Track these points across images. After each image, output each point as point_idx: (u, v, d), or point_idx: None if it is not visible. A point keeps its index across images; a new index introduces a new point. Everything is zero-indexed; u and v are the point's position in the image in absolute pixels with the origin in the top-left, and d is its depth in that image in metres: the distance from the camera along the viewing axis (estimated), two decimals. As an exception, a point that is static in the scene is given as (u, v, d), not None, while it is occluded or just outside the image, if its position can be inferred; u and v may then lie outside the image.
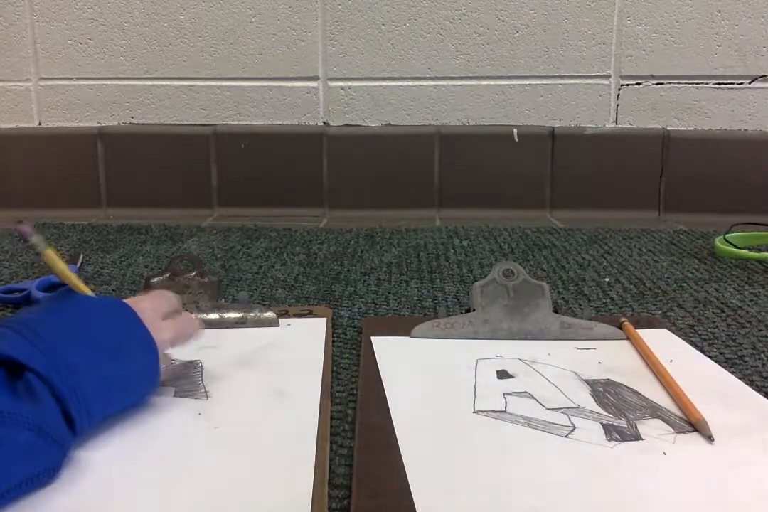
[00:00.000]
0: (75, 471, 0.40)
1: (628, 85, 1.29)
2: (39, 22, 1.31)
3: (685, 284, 0.83)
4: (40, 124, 1.36)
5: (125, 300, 0.48)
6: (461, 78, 1.30)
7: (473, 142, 1.31)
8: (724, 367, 0.57)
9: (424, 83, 1.31)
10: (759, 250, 0.97)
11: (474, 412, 0.48)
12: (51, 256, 0.46)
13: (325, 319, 0.68)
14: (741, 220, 1.05)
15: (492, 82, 1.30)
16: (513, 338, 0.62)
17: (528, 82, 1.30)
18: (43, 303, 0.46)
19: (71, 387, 0.39)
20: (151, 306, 0.49)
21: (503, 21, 1.28)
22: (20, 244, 1.05)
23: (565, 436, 0.45)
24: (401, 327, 0.64)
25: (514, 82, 1.30)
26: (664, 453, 0.43)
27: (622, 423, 0.47)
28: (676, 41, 1.27)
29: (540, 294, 0.64)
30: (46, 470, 0.37)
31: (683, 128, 1.30)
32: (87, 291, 0.48)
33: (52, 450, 0.38)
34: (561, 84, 1.30)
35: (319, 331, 0.64)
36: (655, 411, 0.49)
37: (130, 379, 0.44)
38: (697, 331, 0.67)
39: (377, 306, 0.75)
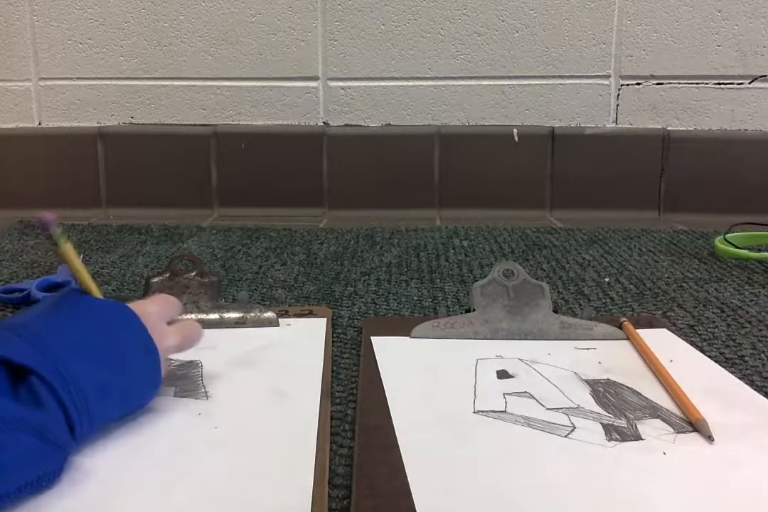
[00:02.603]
0: (75, 471, 0.40)
1: (628, 85, 1.29)
2: (39, 22, 1.31)
3: (685, 284, 0.83)
4: (40, 124, 1.36)
5: (130, 304, 0.47)
6: (461, 78, 1.30)
7: (473, 142, 1.31)
8: (724, 367, 0.57)
9: (424, 83, 1.31)
10: (759, 250, 0.97)
11: (474, 412, 0.48)
12: (69, 250, 0.45)
13: (325, 319, 0.68)
14: (741, 220, 1.05)
15: (492, 82, 1.30)
16: (513, 338, 0.62)
17: (528, 82, 1.30)
18: (45, 304, 0.45)
19: (73, 393, 0.39)
20: (157, 311, 0.48)
21: (503, 21, 1.28)
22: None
23: (565, 436, 0.45)
24: (401, 327, 0.64)
25: (514, 82, 1.30)
26: (664, 453, 0.43)
27: (622, 423, 0.47)
28: (676, 41, 1.27)
29: (540, 294, 0.64)
30: (46, 474, 0.37)
31: (683, 128, 1.30)
32: (96, 291, 0.47)
33: (53, 455, 0.37)
34: (561, 84, 1.30)
35: (319, 331, 0.64)
36: (655, 411, 0.49)
37: (131, 385, 0.44)
38: (697, 331, 0.67)
39: (377, 306, 0.75)
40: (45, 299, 0.46)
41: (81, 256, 0.94)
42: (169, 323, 0.50)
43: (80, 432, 0.39)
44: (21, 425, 0.36)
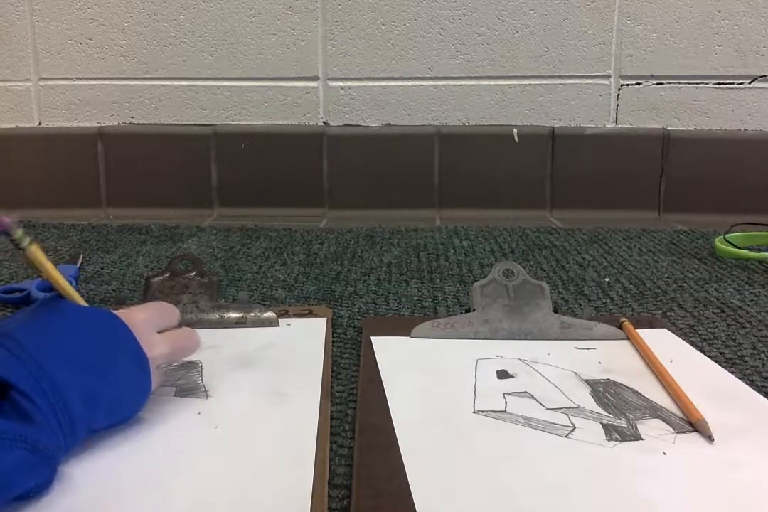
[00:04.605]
0: (74, 470, 0.40)
1: (628, 85, 1.29)
2: (39, 22, 1.31)
3: (685, 284, 0.83)
4: (40, 124, 1.36)
5: (117, 312, 0.45)
6: (461, 78, 1.30)
7: (473, 142, 1.31)
8: (724, 367, 0.57)
9: (424, 83, 1.31)
10: (759, 250, 0.97)
11: (474, 412, 0.48)
12: (37, 253, 0.42)
13: (325, 319, 0.68)
14: (741, 220, 1.05)
15: (492, 82, 1.30)
16: (513, 338, 0.62)
17: (528, 82, 1.30)
18: (30, 312, 0.43)
19: (54, 405, 0.38)
20: (145, 319, 0.47)
21: (503, 21, 1.28)
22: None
23: (565, 436, 0.45)
24: (401, 327, 0.64)
25: (514, 82, 1.30)
26: (664, 453, 0.43)
27: (622, 423, 0.47)
28: (676, 41, 1.27)
29: (540, 294, 0.64)
30: (37, 486, 0.37)
31: (683, 128, 1.30)
32: (74, 293, 0.46)
33: (43, 467, 0.37)
34: (561, 84, 1.30)
35: (319, 331, 0.64)
36: (655, 411, 0.49)
37: (119, 394, 0.43)
38: (697, 331, 0.67)
39: (377, 306, 0.75)
40: (30, 307, 0.45)
41: (81, 257, 0.94)
42: (163, 331, 0.48)
43: (64, 444, 0.38)
44: (9, 439, 0.35)
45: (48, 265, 0.43)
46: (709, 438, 0.44)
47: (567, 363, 0.57)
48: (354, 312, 0.73)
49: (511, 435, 0.45)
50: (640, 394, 0.51)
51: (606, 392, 0.52)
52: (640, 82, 1.29)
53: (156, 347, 0.46)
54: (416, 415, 0.48)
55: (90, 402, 0.40)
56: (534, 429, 0.46)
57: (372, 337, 0.62)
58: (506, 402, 0.50)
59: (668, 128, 1.30)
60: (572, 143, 1.30)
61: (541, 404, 0.49)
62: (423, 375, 0.55)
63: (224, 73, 1.32)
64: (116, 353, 0.43)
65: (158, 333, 0.48)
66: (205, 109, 1.33)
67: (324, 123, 1.33)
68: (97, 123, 1.35)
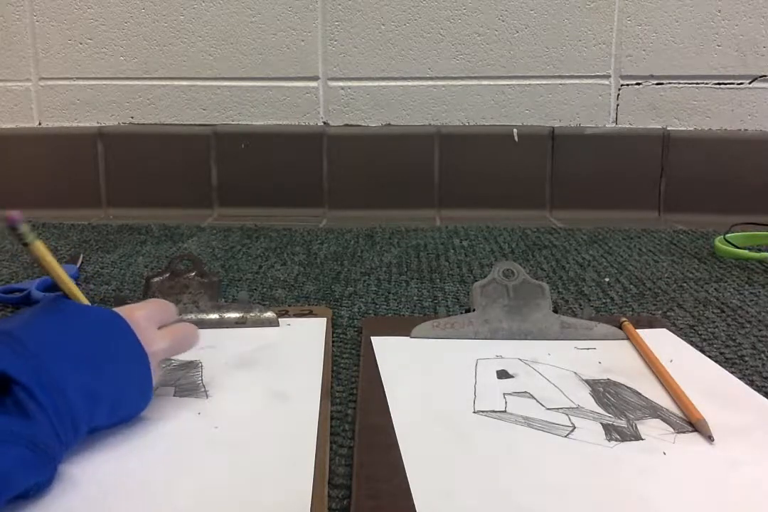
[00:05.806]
0: (74, 470, 0.40)
1: (628, 85, 1.29)
2: (39, 22, 1.31)
3: (685, 284, 0.83)
4: (40, 124, 1.36)
5: (117, 309, 0.46)
6: (461, 78, 1.30)
7: (473, 142, 1.31)
8: (724, 367, 0.57)
9: (424, 83, 1.31)
10: (759, 250, 0.97)
11: (474, 412, 0.48)
12: (40, 248, 0.42)
13: (325, 319, 0.68)
14: (741, 220, 1.05)
15: (492, 82, 1.30)
16: (513, 338, 0.62)
17: (528, 82, 1.30)
18: (31, 311, 0.43)
19: (56, 401, 0.38)
20: (144, 315, 0.47)
21: (503, 21, 1.28)
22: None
23: (565, 436, 0.45)
24: (401, 327, 0.64)
25: (514, 82, 1.30)
26: (664, 453, 0.43)
27: (622, 423, 0.47)
28: (676, 41, 1.27)
29: (540, 294, 0.64)
30: (37, 484, 0.37)
31: (683, 128, 1.30)
32: (76, 290, 0.46)
33: (44, 465, 0.37)
34: (561, 84, 1.30)
35: (319, 331, 0.64)
36: (655, 411, 0.49)
37: (120, 393, 0.43)
38: (697, 331, 0.67)
39: (377, 306, 0.75)
40: (32, 306, 0.45)
41: (81, 257, 0.94)
42: (161, 327, 0.48)
43: (65, 441, 0.38)
44: (11, 437, 0.35)
45: (51, 261, 0.44)
46: (709, 438, 0.44)
47: (567, 363, 0.57)
48: (354, 312, 0.73)
49: (511, 435, 0.45)
50: (640, 394, 0.51)
51: (606, 392, 0.52)
52: (640, 82, 1.29)
53: (156, 342, 0.46)
54: (416, 415, 0.48)
55: (91, 400, 0.40)
56: (534, 429, 0.46)
57: (372, 337, 0.62)
58: (506, 402, 0.50)
59: (668, 128, 1.30)
60: (572, 143, 1.30)
61: (541, 404, 0.49)
62: (423, 375, 0.55)
63: (224, 73, 1.32)
64: (117, 351, 0.43)
65: (158, 328, 0.48)
66: (205, 109, 1.33)
67: (324, 123, 1.33)
68: (97, 123, 1.35)
